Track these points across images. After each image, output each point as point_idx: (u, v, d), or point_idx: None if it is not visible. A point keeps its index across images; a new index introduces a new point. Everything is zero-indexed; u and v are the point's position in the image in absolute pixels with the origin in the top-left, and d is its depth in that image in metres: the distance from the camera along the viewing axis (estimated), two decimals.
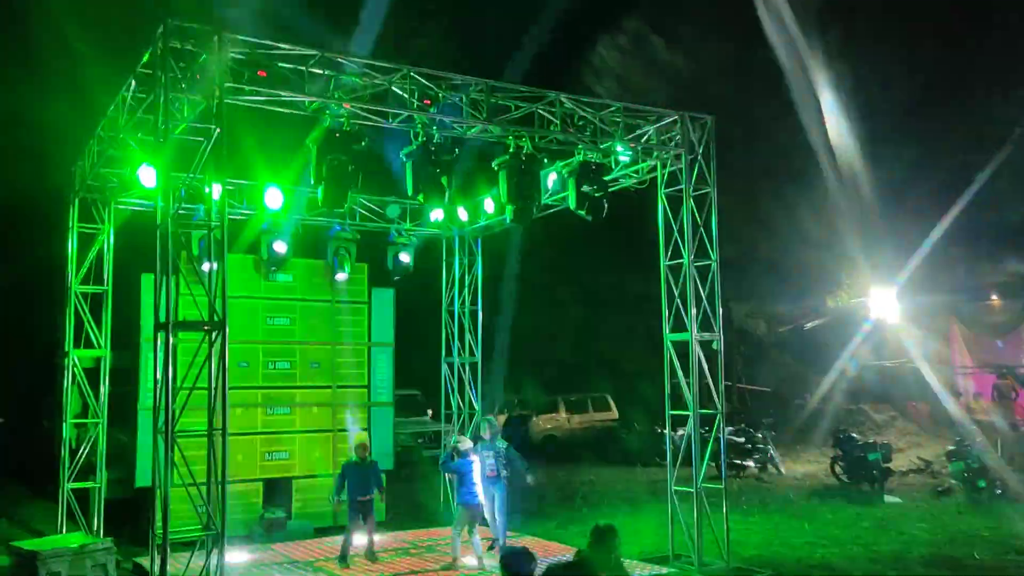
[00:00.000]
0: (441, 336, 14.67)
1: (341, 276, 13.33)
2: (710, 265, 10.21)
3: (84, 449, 11.06)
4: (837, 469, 15.78)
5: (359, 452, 10.67)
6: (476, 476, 10.24)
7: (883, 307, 21.63)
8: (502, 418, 27.03)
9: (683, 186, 10.25)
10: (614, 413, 26.60)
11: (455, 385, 14.47)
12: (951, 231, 20.11)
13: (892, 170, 21.72)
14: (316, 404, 13.23)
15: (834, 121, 21.48)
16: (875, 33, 22.26)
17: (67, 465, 10.90)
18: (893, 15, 22.47)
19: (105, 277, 11.43)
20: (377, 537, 10.96)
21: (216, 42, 7.79)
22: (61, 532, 10.49)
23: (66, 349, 11.29)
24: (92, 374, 11.38)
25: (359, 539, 10.67)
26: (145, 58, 8.21)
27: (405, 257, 13.85)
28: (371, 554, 10.55)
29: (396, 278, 14.09)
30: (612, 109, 10.17)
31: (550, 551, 10.86)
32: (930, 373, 19.81)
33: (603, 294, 28.77)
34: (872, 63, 21.98)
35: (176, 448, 7.36)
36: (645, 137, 10.45)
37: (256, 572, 10.14)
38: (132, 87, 8.85)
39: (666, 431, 10.72)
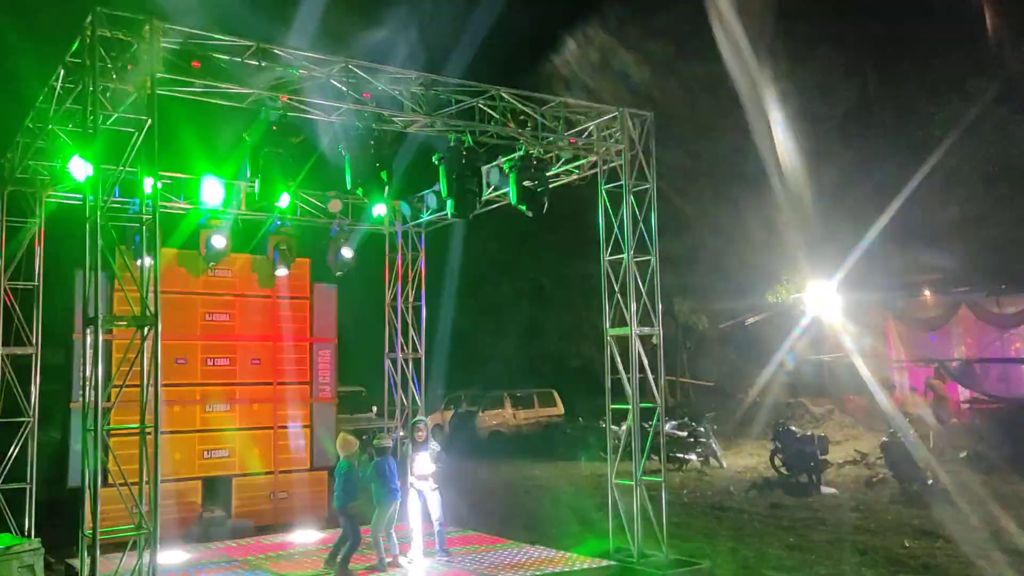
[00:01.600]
0: (384, 332, 14.60)
1: (281, 272, 13.16)
2: (650, 260, 10.35)
3: (14, 449, 10.73)
4: (776, 461, 16.14)
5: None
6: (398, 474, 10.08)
7: (821, 303, 22.19)
8: (448, 414, 27.05)
9: (623, 181, 10.36)
10: (560, 408, 26.80)
11: (399, 381, 14.42)
12: (886, 230, 20.72)
13: (831, 171, 22.30)
14: (256, 401, 13.05)
15: (777, 123, 21.97)
16: (816, 37, 22.83)
17: None
18: (832, 19, 23.09)
19: (36, 272, 11.09)
20: (318, 536, 10.77)
21: (148, 31, 7.61)
22: None
23: None
24: (23, 372, 11.04)
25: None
26: (74, 47, 7.98)
27: (347, 252, 13.73)
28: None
29: (338, 273, 13.96)
30: (553, 104, 10.23)
31: (491, 543, 10.93)
32: (865, 367, 20.38)
33: (548, 289, 28.96)
34: (813, 66, 22.55)
35: (108, 447, 7.20)
36: (586, 133, 10.54)
37: (193, 572, 9.95)
38: (61, 76, 8.59)
39: (607, 425, 10.84)
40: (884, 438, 15.60)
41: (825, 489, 14.86)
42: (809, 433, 16.32)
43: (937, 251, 20.68)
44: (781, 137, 22.15)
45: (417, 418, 11.54)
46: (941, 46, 21.67)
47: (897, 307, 22.42)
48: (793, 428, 16.48)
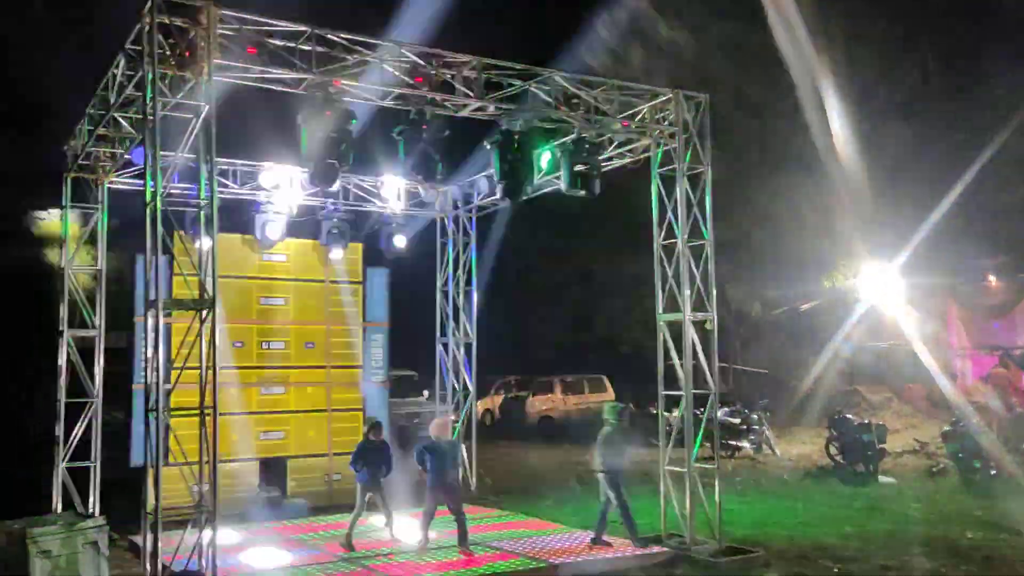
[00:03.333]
0: (436, 317, 14.67)
1: (336, 254, 13.30)
2: (704, 245, 10.18)
3: (79, 428, 11.07)
4: (832, 450, 15.82)
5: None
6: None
7: (879, 288, 21.60)
8: (498, 399, 27.13)
9: (677, 165, 10.19)
10: (610, 394, 26.65)
11: (450, 366, 14.49)
12: (949, 212, 20.06)
13: (890, 150, 21.63)
14: (311, 384, 13.24)
15: (833, 101, 21.35)
16: (875, 12, 22.09)
17: (63, 444, 10.91)
18: None
19: (99, 257, 11.40)
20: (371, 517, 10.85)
21: (205, 18, 7.71)
22: (56, 511, 10.53)
23: (60, 328, 11.28)
24: (87, 354, 11.37)
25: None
26: (133, 35, 8.13)
27: (399, 237, 13.81)
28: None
29: (390, 258, 14.06)
30: (606, 87, 10.10)
31: (546, 530, 10.94)
32: (927, 354, 19.82)
33: (599, 274, 28.74)
34: (871, 43, 21.84)
35: (169, 427, 7.38)
36: (639, 116, 10.38)
37: (250, 549, 10.17)
38: (121, 64, 8.77)
39: (659, 411, 10.74)
40: (945, 427, 15.18)
41: (883, 478, 14.53)
42: (867, 421, 15.96)
43: (1002, 233, 19.95)
44: (836, 116, 21.53)
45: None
46: (1009, 20, 20.78)
47: (960, 292, 21.73)
48: (850, 416, 16.13)
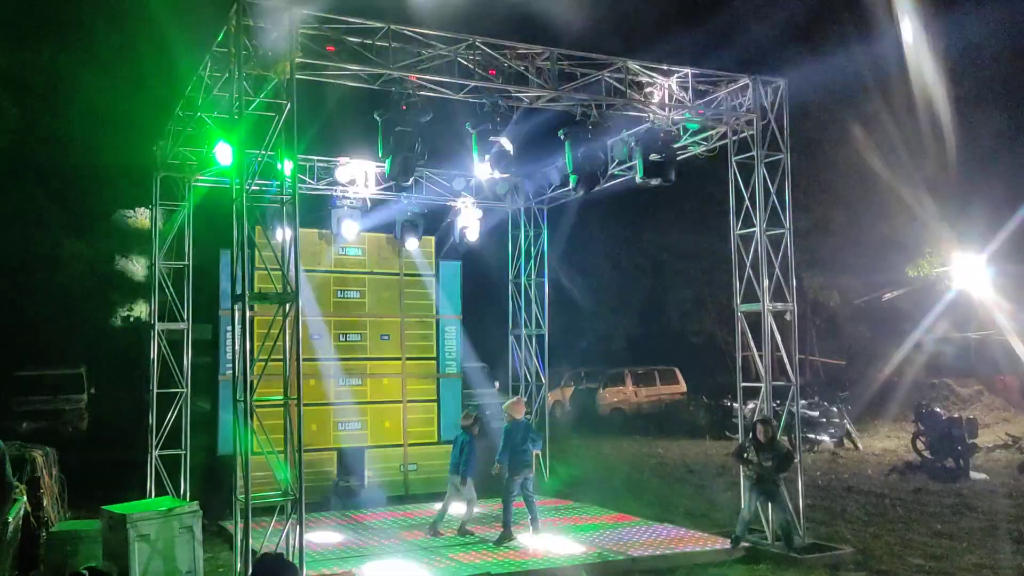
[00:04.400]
0: (508, 308, 14.73)
1: (412, 246, 13.48)
2: (783, 233, 9.94)
3: (170, 417, 11.51)
4: (919, 445, 15.28)
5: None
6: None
7: (969, 277, 20.68)
8: (569, 391, 27.11)
9: (754, 152, 9.97)
10: (682, 386, 26.37)
11: (522, 357, 14.53)
12: None
13: (981, 134, 20.68)
14: (386, 375, 13.47)
15: (921, 80, 20.48)
16: None
17: (155, 433, 11.38)
18: None
19: (187, 252, 11.81)
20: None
21: (286, 18, 7.90)
22: (150, 496, 10.98)
23: (151, 322, 11.74)
24: (176, 346, 11.82)
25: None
26: (220, 37, 8.38)
27: (472, 230, 13.90)
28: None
29: (463, 251, 14.17)
30: (681, 74, 9.94)
31: (617, 520, 10.90)
32: (1020, 345, 18.93)
33: (670, 265, 28.39)
34: (962, 18, 20.87)
35: (255, 417, 7.60)
36: (715, 103, 10.19)
37: (333, 537, 10.43)
38: (208, 66, 9.05)
39: (737, 404, 10.55)
40: None
41: (974, 474, 13.96)
42: (956, 415, 15.35)
43: None
44: (924, 97, 20.65)
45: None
46: None
47: None
48: (938, 409, 15.56)
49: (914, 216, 20.88)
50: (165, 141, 11.23)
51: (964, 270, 20.69)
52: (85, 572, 5.31)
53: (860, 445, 17.57)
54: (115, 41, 21.42)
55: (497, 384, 21.37)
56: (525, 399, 13.14)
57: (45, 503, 9.32)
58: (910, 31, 19.83)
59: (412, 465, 13.38)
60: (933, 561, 9.06)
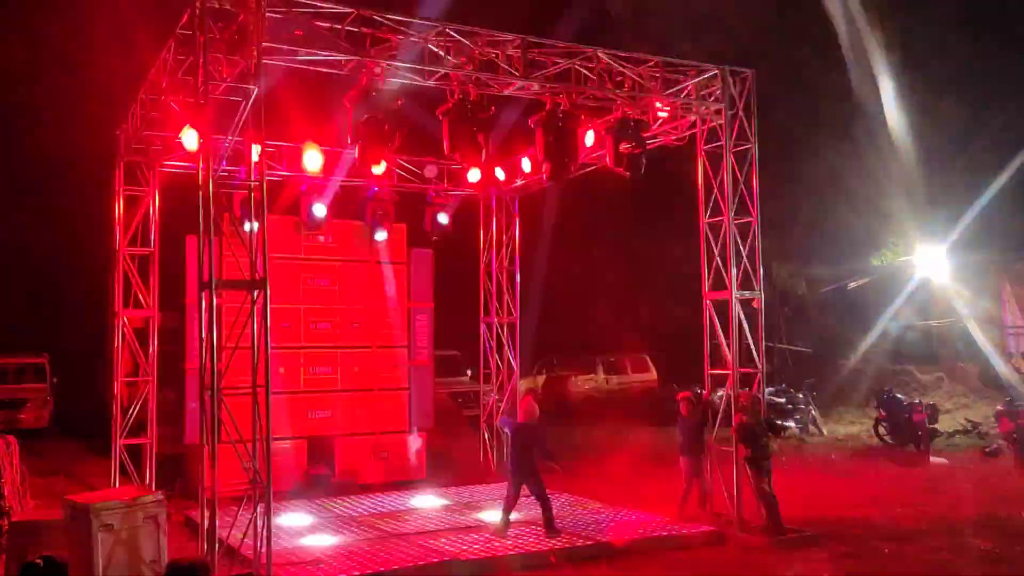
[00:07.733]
0: (479, 297, 14.72)
1: (381, 235, 13.40)
2: (751, 223, 10.04)
3: (135, 407, 11.37)
4: (881, 430, 15.58)
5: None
6: None
7: (930, 266, 21.09)
8: (541, 379, 27.16)
9: (723, 142, 10.05)
10: (653, 374, 26.52)
11: (494, 345, 14.55)
12: (1004, 187, 19.48)
13: (942, 127, 21.03)
14: (356, 364, 13.40)
15: (884, 75, 20.79)
16: None
17: (119, 422, 11.22)
18: None
19: (152, 239, 11.63)
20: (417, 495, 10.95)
21: (254, 1, 7.78)
22: (114, 486, 10.85)
23: (116, 310, 11.56)
24: (141, 334, 11.66)
25: None
26: (184, 19, 8.23)
27: (443, 218, 13.86)
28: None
29: (434, 239, 14.12)
30: (651, 64, 9.97)
31: (587, 504, 10.99)
32: (979, 333, 19.34)
33: (641, 253, 28.51)
34: (924, 14, 21.21)
35: (223, 405, 7.53)
36: (684, 92, 10.24)
37: (302, 526, 10.39)
38: (172, 49, 8.89)
39: (705, 391, 10.67)
40: (999, 407, 14.85)
41: (934, 459, 14.28)
42: (917, 401, 15.66)
43: None
44: (887, 92, 20.98)
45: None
46: None
47: (1013, 270, 21.13)
48: (900, 396, 15.86)
49: (877, 207, 21.22)
50: (128, 125, 11.03)
51: (926, 259, 21.10)
52: (39, 562, 5.22)
53: (825, 431, 17.85)
54: (72, 20, 20.85)
55: (468, 372, 21.35)
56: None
57: (6, 493, 9.17)
58: (875, 22, 20.10)
59: (383, 453, 13.36)
60: (896, 542, 9.26)
